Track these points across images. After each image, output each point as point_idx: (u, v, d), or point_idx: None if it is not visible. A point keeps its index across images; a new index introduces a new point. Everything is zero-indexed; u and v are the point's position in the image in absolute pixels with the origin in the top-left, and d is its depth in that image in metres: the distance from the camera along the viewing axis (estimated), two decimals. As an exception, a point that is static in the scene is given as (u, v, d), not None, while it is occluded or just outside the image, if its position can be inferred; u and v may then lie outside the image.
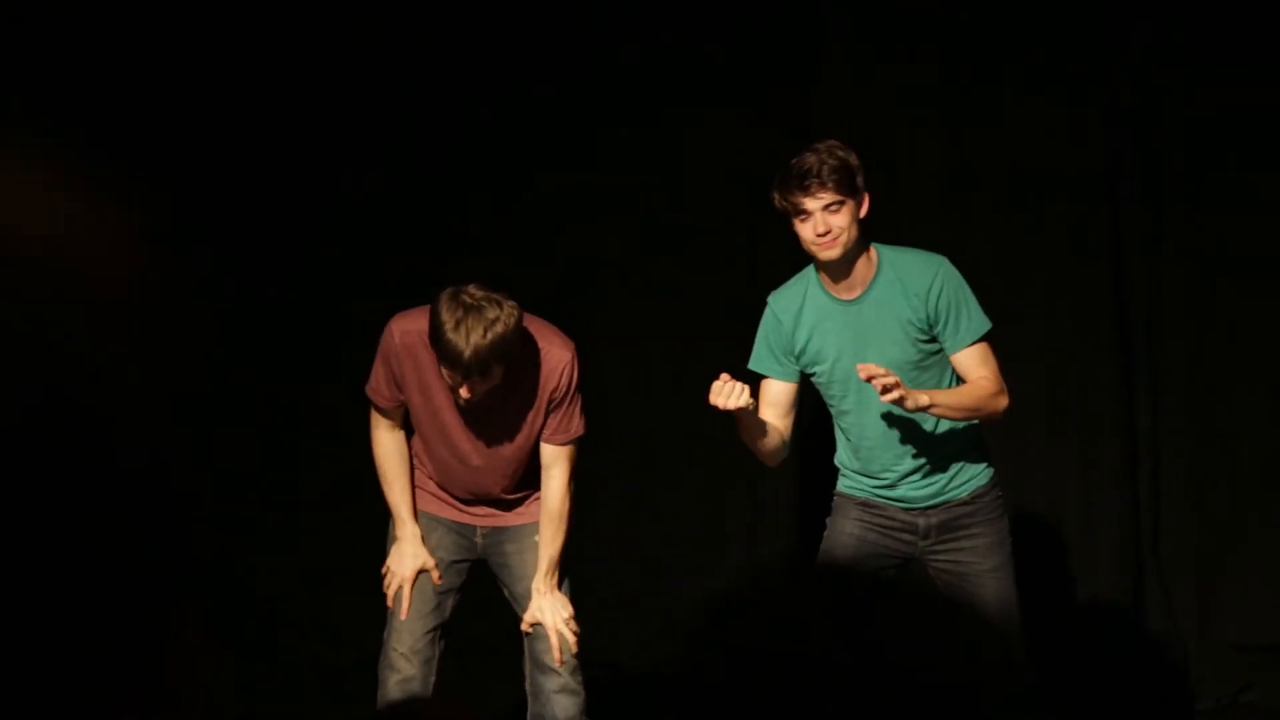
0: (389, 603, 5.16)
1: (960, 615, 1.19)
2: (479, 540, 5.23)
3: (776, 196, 4.98)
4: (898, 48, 6.74)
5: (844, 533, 5.15)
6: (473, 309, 4.69)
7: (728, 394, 4.86)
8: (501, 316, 4.71)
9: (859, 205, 4.99)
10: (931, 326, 5.04)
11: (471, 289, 4.73)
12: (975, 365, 5.06)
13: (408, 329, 4.99)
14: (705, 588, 6.65)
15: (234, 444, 7.23)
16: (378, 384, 5.09)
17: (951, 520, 5.12)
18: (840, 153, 4.98)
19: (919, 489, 5.12)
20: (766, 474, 6.26)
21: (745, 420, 5.03)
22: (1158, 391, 6.75)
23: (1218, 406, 6.71)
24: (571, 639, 5.13)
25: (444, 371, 4.82)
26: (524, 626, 5.19)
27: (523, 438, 5.06)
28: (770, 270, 5.48)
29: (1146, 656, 6.71)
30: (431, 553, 5.19)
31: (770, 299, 5.20)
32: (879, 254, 5.09)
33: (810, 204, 4.93)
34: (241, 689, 6.45)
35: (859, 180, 4.98)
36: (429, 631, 5.16)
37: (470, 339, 4.68)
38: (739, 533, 6.93)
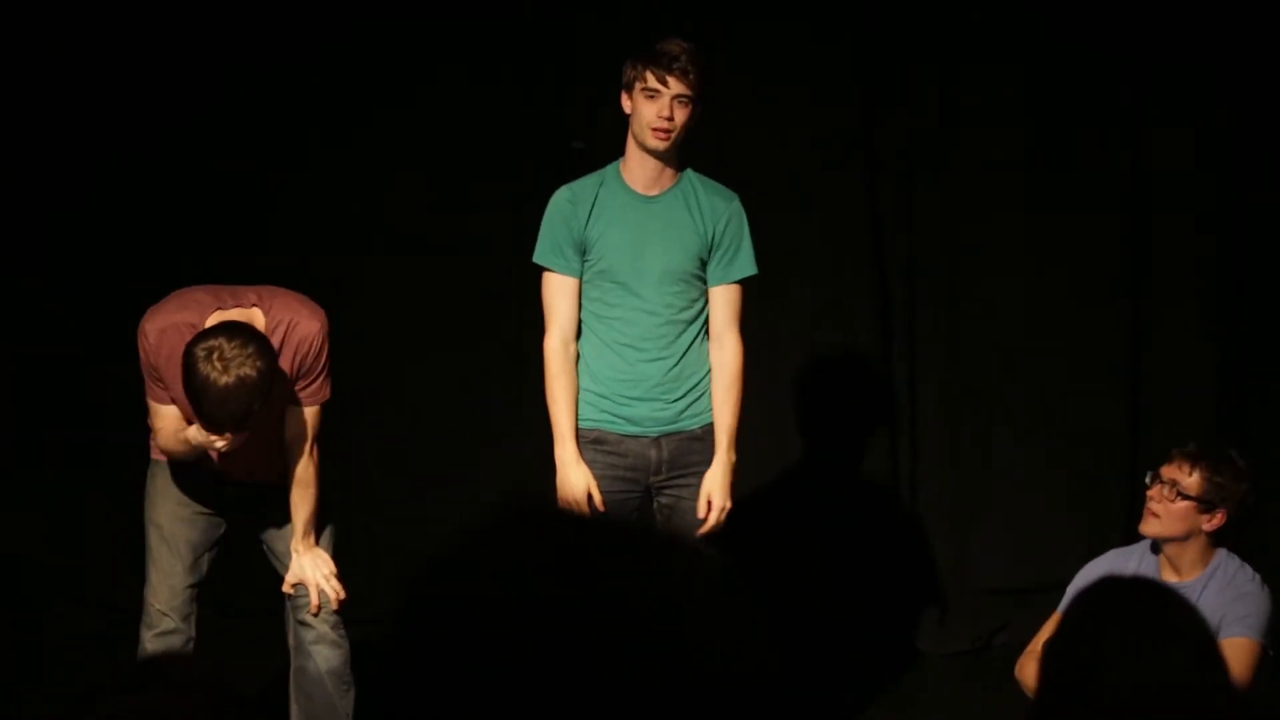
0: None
1: (665, 548, 1.22)
2: (229, 492, 5.09)
3: (637, 66, 5.05)
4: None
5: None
6: (230, 363, 4.48)
7: None
8: (259, 366, 4.51)
9: (698, 113, 5.09)
10: (710, 250, 5.14)
11: (222, 342, 4.52)
12: (727, 307, 5.19)
13: (164, 326, 4.77)
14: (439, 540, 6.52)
15: None
16: (153, 390, 4.85)
17: (680, 456, 5.19)
18: (703, 60, 5.09)
19: (657, 409, 5.16)
20: (521, 429, 6.27)
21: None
22: (913, 341, 6.83)
23: (973, 357, 6.82)
24: (333, 594, 5.06)
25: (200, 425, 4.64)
26: (285, 588, 5.09)
27: (280, 416, 4.94)
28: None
29: (903, 603, 6.83)
30: (181, 499, 5.04)
31: (559, 191, 5.22)
32: (686, 170, 5.21)
33: (665, 88, 5.03)
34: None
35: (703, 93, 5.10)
36: (189, 587, 5.05)
37: (228, 404, 4.51)
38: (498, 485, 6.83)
